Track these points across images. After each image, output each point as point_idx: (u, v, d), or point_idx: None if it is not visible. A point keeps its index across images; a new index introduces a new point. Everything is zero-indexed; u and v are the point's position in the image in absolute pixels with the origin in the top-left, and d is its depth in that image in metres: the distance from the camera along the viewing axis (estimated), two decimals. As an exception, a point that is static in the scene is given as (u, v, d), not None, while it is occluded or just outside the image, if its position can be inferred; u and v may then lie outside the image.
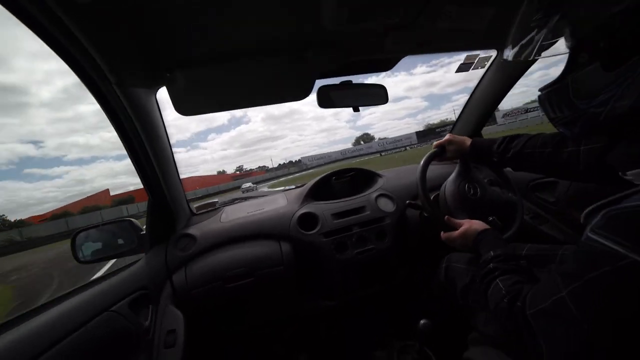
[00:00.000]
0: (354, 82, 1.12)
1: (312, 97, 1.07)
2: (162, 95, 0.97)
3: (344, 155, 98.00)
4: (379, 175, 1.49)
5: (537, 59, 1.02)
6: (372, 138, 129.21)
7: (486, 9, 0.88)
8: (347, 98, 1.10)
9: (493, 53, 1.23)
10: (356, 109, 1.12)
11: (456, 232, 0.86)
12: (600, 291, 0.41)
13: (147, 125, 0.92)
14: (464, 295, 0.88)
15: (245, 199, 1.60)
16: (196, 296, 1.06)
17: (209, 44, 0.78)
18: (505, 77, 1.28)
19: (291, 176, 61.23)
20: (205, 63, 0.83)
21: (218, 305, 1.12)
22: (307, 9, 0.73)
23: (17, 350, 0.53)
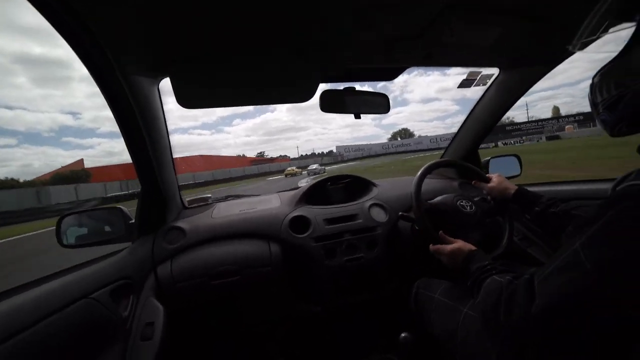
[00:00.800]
0: (357, 88, 1.13)
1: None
2: (165, 85, 0.96)
3: (385, 150, 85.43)
4: (374, 185, 1.49)
5: (571, 54, 1.06)
6: (412, 135, 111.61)
7: (492, 28, 0.90)
8: (349, 104, 1.10)
9: (495, 71, 1.24)
10: (357, 116, 1.12)
11: (448, 247, 0.85)
12: (617, 228, 0.44)
13: (147, 115, 0.91)
14: (430, 323, 0.88)
15: (239, 196, 1.59)
16: (182, 290, 1.04)
17: (215, 38, 0.78)
18: (505, 96, 1.30)
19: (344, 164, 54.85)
20: (210, 57, 0.83)
21: (204, 301, 1.10)
22: (316, 13, 0.73)
23: None
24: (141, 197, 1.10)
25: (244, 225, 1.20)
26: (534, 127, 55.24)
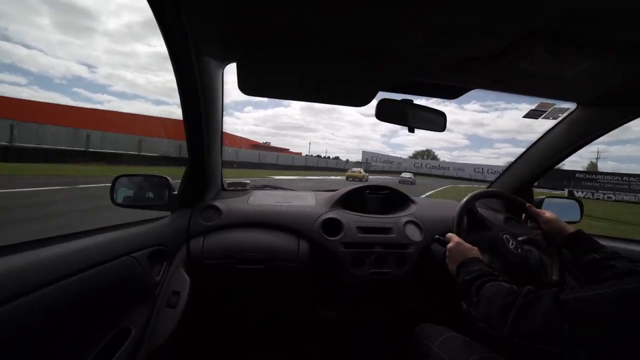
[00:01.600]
0: (414, 102, 1.09)
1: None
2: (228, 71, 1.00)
3: (417, 169, 71.40)
4: (413, 202, 1.44)
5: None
6: (435, 157, 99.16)
7: (580, 59, 0.81)
8: (405, 117, 1.07)
9: (571, 106, 1.14)
10: (411, 130, 1.08)
11: (462, 241, 0.85)
12: None
13: (209, 96, 0.95)
14: None
15: (276, 188, 1.61)
16: (207, 266, 1.08)
17: (289, 32, 0.78)
18: (577, 135, 1.19)
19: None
20: (280, 49, 0.84)
21: (225, 283, 1.13)
22: (395, 21, 0.71)
23: (35, 274, 0.55)
24: (187, 172, 1.15)
25: (277, 217, 1.22)
26: (617, 181, 39.42)
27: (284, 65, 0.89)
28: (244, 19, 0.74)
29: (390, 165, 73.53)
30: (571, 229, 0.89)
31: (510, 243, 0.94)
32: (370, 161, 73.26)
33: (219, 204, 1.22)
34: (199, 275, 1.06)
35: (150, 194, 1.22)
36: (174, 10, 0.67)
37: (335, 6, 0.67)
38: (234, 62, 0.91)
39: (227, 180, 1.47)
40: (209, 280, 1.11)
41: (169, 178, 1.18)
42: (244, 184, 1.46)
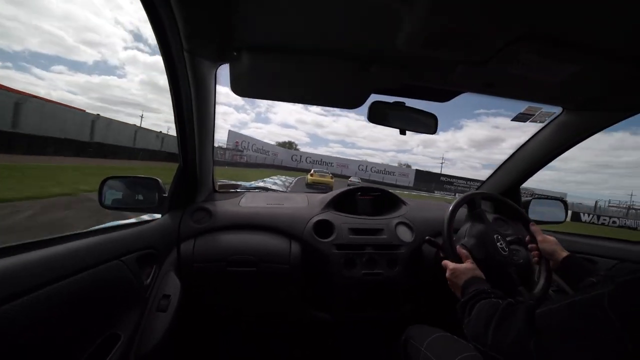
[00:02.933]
0: (406, 104, 1.10)
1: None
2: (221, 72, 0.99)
3: (297, 163, 55.42)
4: (404, 203, 1.45)
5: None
6: (297, 149, 77.91)
7: (566, 65, 0.84)
8: (397, 119, 1.08)
9: (557, 110, 1.17)
10: (402, 132, 1.10)
11: (460, 265, 0.82)
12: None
13: (201, 97, 0.94)
14: None
15: (267, 189, 1.60)
16: (198, 269, 1.06)
17: (282, 34, 0.79)
18: (563, 138, 1.22)
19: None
20: (272, 50, 0.84)
21: (217, 286, 1.11)
22: (386, 25, 0.72)
23: (21, 278, 0.53)
24: (178, 173, 1.14)
25: (269, 219, 1.21)
26: (464, 184, 52.09)
27: (277, 68, 0.89)
28: (238, 21, 0.74)
29: (265, 157, 50.82)
30: (565, 252, 0.88)
31: (499, 243, 0.96)
32: (242, 147, 47.25)
33: (210, 206, 1.21)
34: (189, 278, 1.05)
35: (140, 196, 1.20)
36: (168, 10, 0.67)
37: (327, 10, 0.68)
38: (227, 63, 0.91)
39: (219, 182, 1.46)
40: (200, 283, 1.10)
41: (159, 180, 1.16)
42: (236, 186, 1.45)
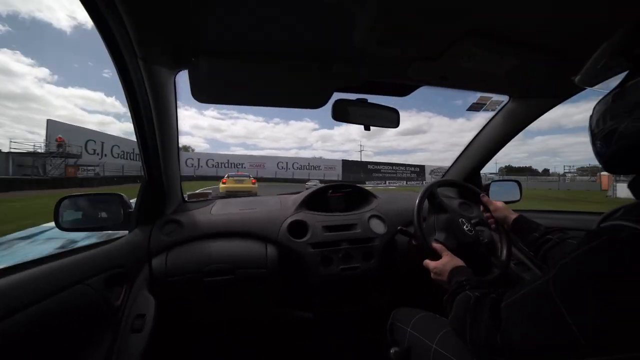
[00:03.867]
0: (369, 100, 1.14)
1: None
2: (180, 79, 0.97)
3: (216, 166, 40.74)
4: (374, 197, 1.50)
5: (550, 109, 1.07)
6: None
7: (508, 57, 0.92)
8: (361, 115, 1.11)
9: (505, 98, 1.27)
10: (367, 128, 1.13)
11: (436, 263, 0.86)
12: (589, 265, 0.43)
13: (161, 105, 0.91)
14: (409, 358, 0.87)
15: (239, 195, 1.58)
16: (172, 284, 1.03)
17: (239, 37, 0.79)
18: (511, 124, 1.33)
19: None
20: (231, 55, 0.84)
21: (195, 298, 1.08)
22: (341, 25, 0.75)
23: None
24: (143, 186, 1.09)
25: (243, 225, 1.20)
26: (389, 170, 50.65)
27: (236, 72, 0.89)
28: (193, 25, 0.73)
29: (128, 164, 33.26)
30: (514, 215, 1.01)
31: (465, 225, 1.03)
32: (75, 149, 25.01)
33: (180, 217, 1.17)
34: (164, 294, 1.01)
35: (104, 214, 1.14)
36: (116, 17, 0.64)
37: (282, 11, 0.69)
38: (186, 69, 0.89)
39: (188, 192, 1.42)
40: (176, 297, 1.06)
41: (123, 195, 1.11)
42: (206, 194, 1.42)
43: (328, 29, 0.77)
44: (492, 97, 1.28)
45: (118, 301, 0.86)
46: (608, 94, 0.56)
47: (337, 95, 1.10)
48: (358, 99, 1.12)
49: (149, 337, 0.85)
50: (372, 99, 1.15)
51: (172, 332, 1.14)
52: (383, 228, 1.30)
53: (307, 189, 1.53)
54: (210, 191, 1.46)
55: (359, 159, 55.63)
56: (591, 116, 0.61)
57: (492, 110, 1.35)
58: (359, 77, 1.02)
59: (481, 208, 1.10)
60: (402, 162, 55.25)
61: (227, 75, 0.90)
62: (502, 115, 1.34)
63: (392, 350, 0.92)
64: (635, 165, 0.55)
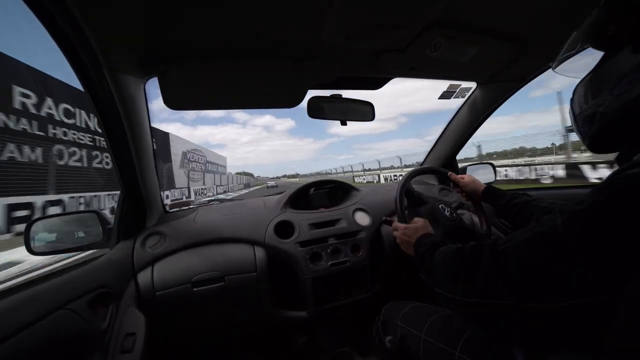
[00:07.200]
0: (343, 96, 1.16)
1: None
2: (151, 86, 0.94)
3: None
4: (357, 190, 1.52)
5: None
6: None
7: (471, 46, 0.96)
8: (336, 111, 1.13)
9: (473, 85, 1.32)
10: (344, 123, 1.15)
11: (412, 225, 0.86)
12: (607, 210, 0.40)
13: (132, 115, 0.88)
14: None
15: (222, 201, 1.56)
16: (161, 298, 1.00)
17: (207, 40, 0.77)
18: (480, 109, 1.39)
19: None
20: (200, 59, 0.82)
21: (187, 309, 1.06)
22: (309, 21, 0.75)
23: None
24: (121, 200, 1.06)
25: (228, 230, 1.18)
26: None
27: (208, 76, 0.87)
28: (158, 31, 0.71)
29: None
30: (483, 186, 1.09)
31: (446, 211, 1.07)
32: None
33: (163, 228, 1.15)
34: (153, 309, 0.99)
35: (81, 233, 1.09)
36: (74, 27, 0.62)
37: (249, 11, 0.69)
38: (155, 76, 0.87)
39: (169, 202, 1.38)
40: (167, 311, 1.04)
41: (99, 211, 1.07)
42: (188, 203, 1.39)
43: (297, 26, 0.77)
44: (461, 85, 1.32)
45: (105, 323, 0.83)
46: (586, 75, 0.57)
47: (312, 93, 1.11)
48: (332, 95, 1.13)
49: (141, 355, 0.82)
50: (347, 94, 1.17)
51: (165, 348, 1.11)
52: (368, 220, 1.32)
53: (267, 187, 1.52)
54: (192, 199, 1.42)
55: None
56: (572, 99, 0.61)
57: (462, 97, 1.40)
58: (331, 73, 1.03)
59: (452, 186, 1.16)
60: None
61: (199, 80, 0.88)
62: (471, 101, 1.39)
63: (387, 339, 0.94)
64: (618, 142, 0.55)
